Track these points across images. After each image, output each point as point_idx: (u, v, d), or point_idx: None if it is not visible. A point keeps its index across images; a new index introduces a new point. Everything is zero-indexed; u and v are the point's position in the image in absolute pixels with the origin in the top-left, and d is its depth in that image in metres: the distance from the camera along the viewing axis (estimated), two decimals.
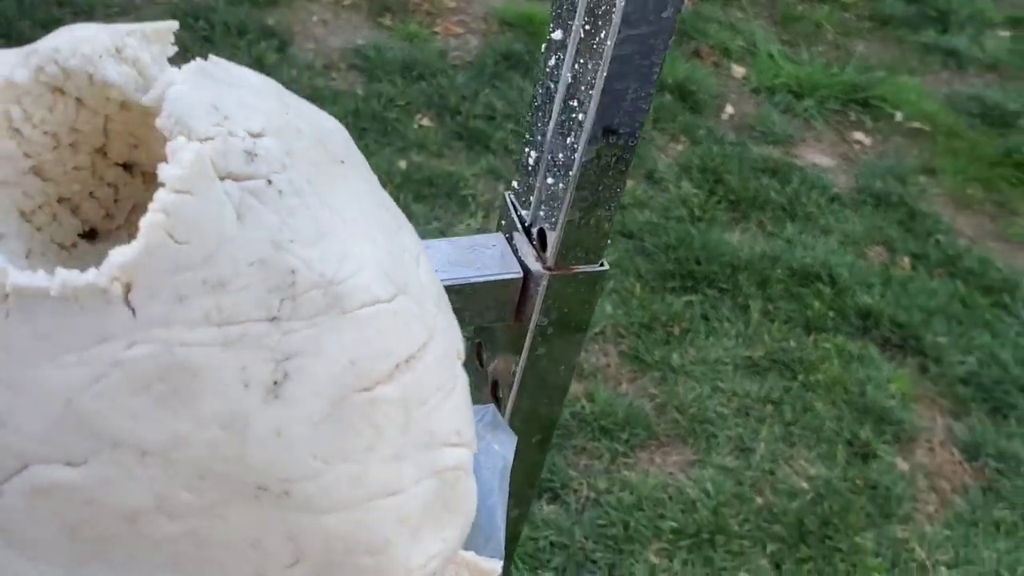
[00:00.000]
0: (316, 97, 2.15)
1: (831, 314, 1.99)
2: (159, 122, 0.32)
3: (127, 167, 0.38)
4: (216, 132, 0.31)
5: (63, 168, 0.35)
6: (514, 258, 0.53)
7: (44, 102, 0.33)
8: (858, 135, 2.54)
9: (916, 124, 2.57)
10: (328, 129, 0.37)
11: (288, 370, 0.32)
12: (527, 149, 0.52)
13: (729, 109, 2.54)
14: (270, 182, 0.32)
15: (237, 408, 0.31)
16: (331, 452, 0.33)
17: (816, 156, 2.43)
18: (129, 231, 0.38)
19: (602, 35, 0.44)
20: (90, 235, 0.38)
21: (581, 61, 0.47)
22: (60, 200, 0.36)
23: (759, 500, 1.64)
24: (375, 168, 0.39)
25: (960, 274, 2.15)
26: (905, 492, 1.72)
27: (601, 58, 0.45)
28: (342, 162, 0.36)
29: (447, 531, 0.37)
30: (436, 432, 0.36)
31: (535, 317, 0.54)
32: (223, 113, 0.32)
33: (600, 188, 0.48)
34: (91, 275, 0.30)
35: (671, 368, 1.82)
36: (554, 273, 0.51)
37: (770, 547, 1.58)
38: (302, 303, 0.32)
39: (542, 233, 0.52)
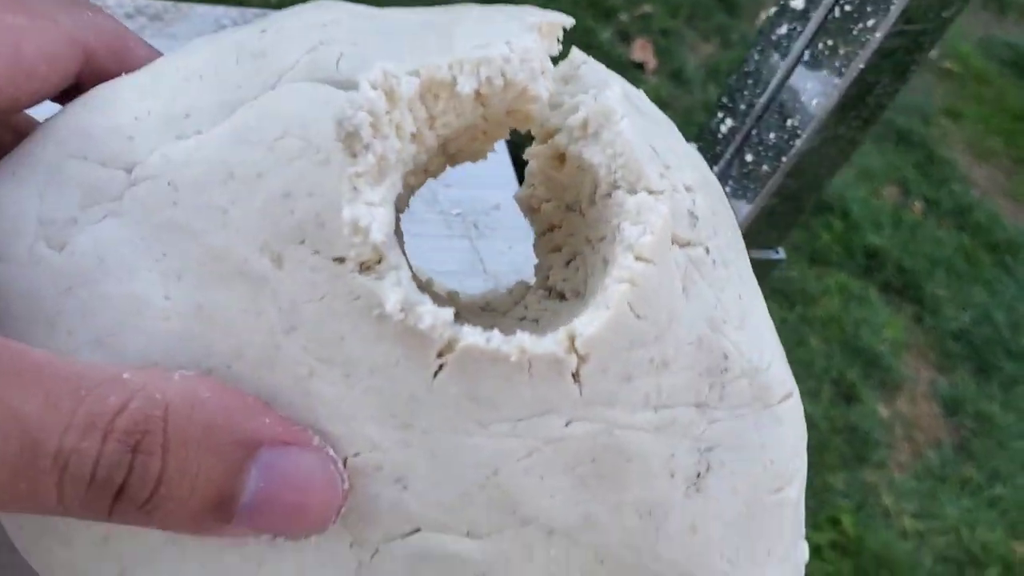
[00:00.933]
0: None
1: (838, 248, 1.97)
2: (596, 158, 0.29)
3: (434, 170, 0.34)
4: (664, 186, 0.28)
5: (424, 161, 0.32)
6: None
7: (458, 110, 0.30)
8: None
9: (948, 64, 2.52)
10: (710, 171, 0.33)
11: (711, 462, 0.29)
12: (722, 115, 0.46)
13: (765, 16, 2.46)
14: (707, 251, 0.29)
15: (660, 498, 0.29)
16: (739, 554, 0.30)
17: None
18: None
19: (869, 23, 0.39)
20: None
21: (829, 43, 0.41)
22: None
23: None
24: None
25: (968, 227, 2.13)
26: (882, 439, 1.74)
27: (861, 47, 0.39)
28: (736, 226, 0.32)
29: None
30: (801, 525, 0.34)
31: None
32: (663, 161, 0.28)
33: (811, 177, 0.43)
34: (551, 343, 0.27)
35: None
36: None
37: None
38: (730, 391, 0.29)
39: None
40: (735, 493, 0.30)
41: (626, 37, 2.21)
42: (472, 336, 0.27)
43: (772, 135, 0.44)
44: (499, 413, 0.27)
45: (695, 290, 0.29)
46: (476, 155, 0.34)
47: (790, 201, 0.45)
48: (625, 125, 0.29)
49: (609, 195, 0.29)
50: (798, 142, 0.42)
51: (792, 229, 0.46)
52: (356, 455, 0.28)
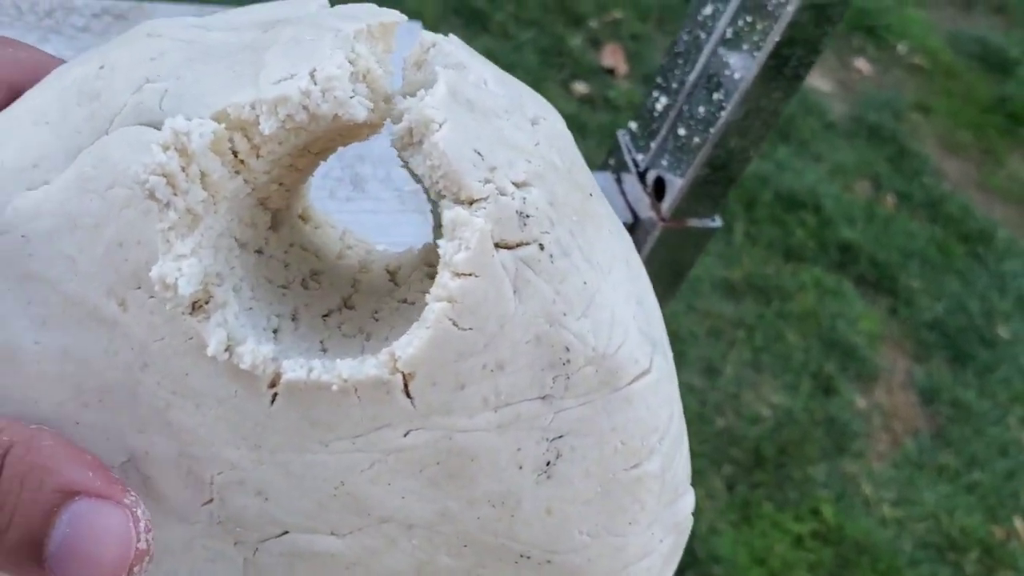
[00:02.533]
0: None
1: (812, 244, 1.99)
2: (419, 169, 0.29)
3: (319, 152, 0.35)
4: (487, 191, 0.28)
5: (268, 178, 0.32)
6: (624, 202, 0.50)
7: (278, 138, 0.30)
8: (859, 63, 2.50)
9: (917, 60, 2.55)
10: (567, 141, 0.33)
11: (560, 450, 0.31)
12: (656, 94, 0.49)
13: None
14: (542, 247, 0.29)
15: (510, 489, 0.30)
16: (598, 528, 0.32)
17: (816, 79, 2.39)
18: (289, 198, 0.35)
19: None
20: (273, 223, 0.35)
21: (748, 19, 0.43)
22: (258, 202, 0.34)
23: (720, 422, 1.66)
24: None
25: (940, 219, 2.16)
26: (860, 429, 1.76)
27: (775, 20, 0.41)
28: (591, 195, 0.32)
29: (673, 567, 0.37)
30: (677, 487, 0.35)
31: None
32: (488, 163, 0.29)
33: (738, 148, 0.46)
34: (372, 367, 0.28)
35: None
36: (667, 224, 0.49)
37: (726, 469, 1.60)
38: (575, 381, 0.30)
39: (660, 181, 0.49)
40: (588, 475, 0.31)
41: (596, 43, 2.23)
42: (293, 371, 0.29)
43: (701, 109, 0.47)
44: (336, 433, 0.29)
45: (529, 290, 0.29)
46: (355, 140, 0.34)
47: (721, 171, 0.47)
48: (441, 135, 0.28)
49: (437, 203, 0.30)
50: (724, 114, 0.45)
51: (726, 198, 0.49)
52: (220, 474, 0.31)
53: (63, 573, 0.28)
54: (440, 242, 0.28)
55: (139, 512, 0.29)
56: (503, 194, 0.29)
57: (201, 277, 0.29)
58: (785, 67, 0.43)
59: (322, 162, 0.35)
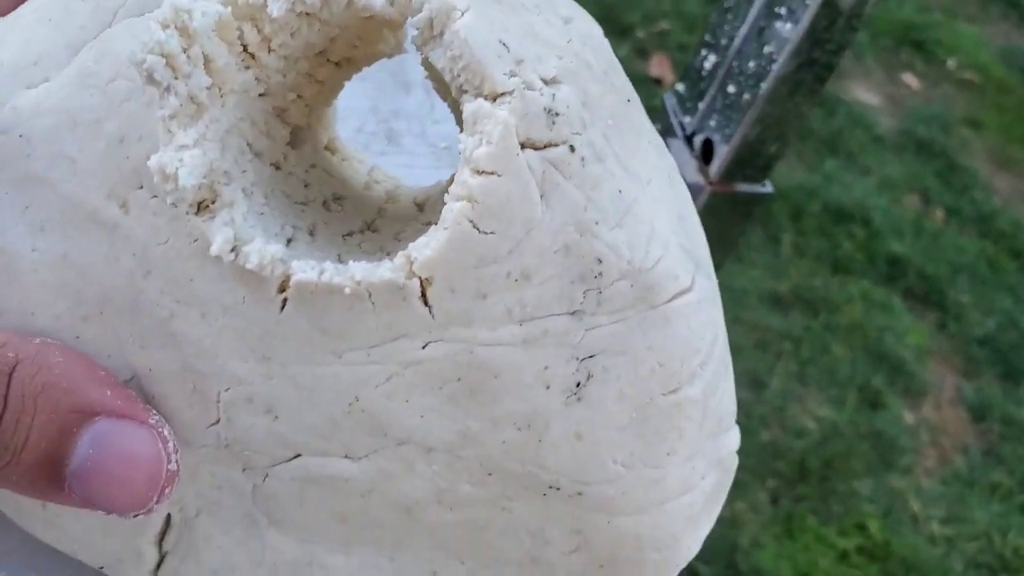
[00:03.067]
0: None
1: (860, 257, 1.96)
2: (440, 63, 0.27)
3: (339, 63, 0.32)
4: (512, 85, 0.26)
5: (283, 82, 0.31)
6: None
7: (289, 27, 0.28)
8: (907, 77, 2.47)
9: (967, 75, 2.51)
10: (602, 43, 0.31)
11: (592, 370, 0.28)
12: (705, 52, 0.47)
13: None
14: (572, 148, 0.27)
15: (537, 410, 0.28)
16: (633, 457, 0.30)
17: (863, 93, 2.37)
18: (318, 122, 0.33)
19: None
20: (292, 140, 0.33)
21: None
22: (274, 112, 0.32)
23: (766, 435, 1.63)
24: None
25: (991, 234, 2.12)
26: (908, 445, 1.72)
27: None
28: (628, 100, 0.30)
29: (716, 510, 0.34)
30: (721, 418, 0.33)
31: None
32: (515, 56, 0.27)
33: (790, 104, 0.44)
34: (387, 271, 0.26)
35: None
36: (715, 188, 0.47)
37: (770, 482, 1.58)
38: (608, 296, 0.28)
39: (708, 144, 0.48)
40: (623, 398, 0.29)
41: (643, 53, 2.23)
42: (303, 272, 0.27)
43: (751, 64, 0.45)
44: (350, 342, 0.27)
45: (557, 194, 0.27)
46: (379, 51, 0.32)
47: (772, 129, 0.46)
48: (464, 23, 0.26)
49: (459, 100, 0.27)
50: (775, 67, 0.43)
51: (777, 161, 0.47)
52: (227, 390, 0.28)
53: (87, 494, 0.27)
54: (460, 136, 0.26)
55: (166, 432, 0.28)
56: (530, 89, 0.27)
57: (205, 171, 0.27)
58: (839, 17, 0.42)
59: (345, 81, 0.33)
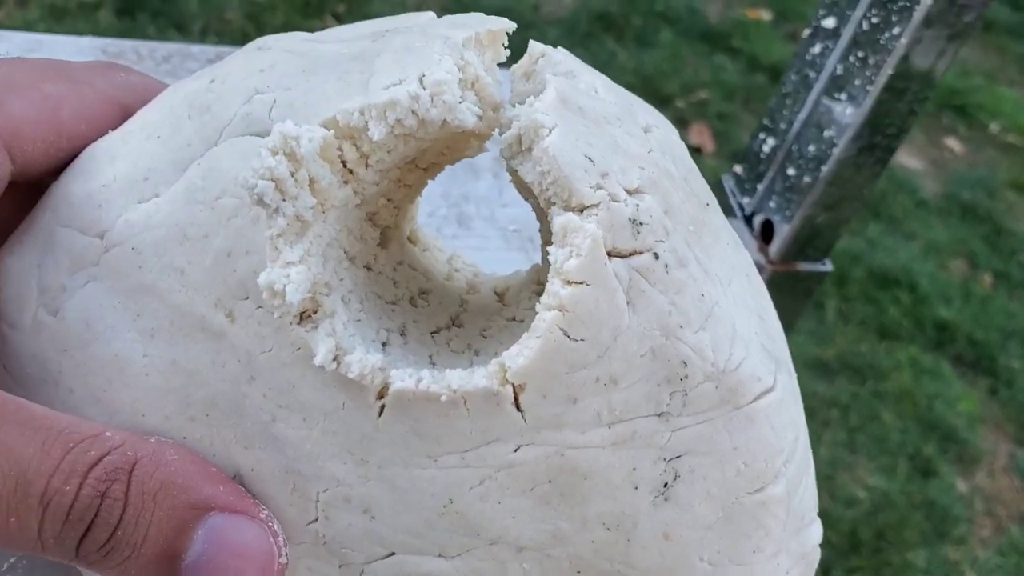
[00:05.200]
0: None
1: (907, 323, 1.94)
2: (529, 176, 0.28)
3: (426, 168, 0.34)
4: (599, 197, 0.27)
5: (377, 190, 0.32)
6: None
7: (387, 147, 0.30)
8: (950, 141, 2.47)
9: (1010, 138, 2.51)
10: (681, 150, 0.32)
11: (678, 470, 0.29)
12: (763, 135, 0.48)
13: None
14: (656, 256, 0.28)
15: (625, 510, 0.29)
16: (719, 556, 0.30)
17: (906, 157, 2.37)
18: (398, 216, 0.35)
19: (894, 31, 0.41)
20: (382, 240, 0.34)
21: (860, 54, 0.43)
22: (366, 217, 0.33)
23: None
24: None
25: None
26: (962, 514, 1.69)
27: (888, 54, 0.41)
28: (707, 205, 0.32)
29: None
30: (804, 514, 0.33)
31: None
32: (600, 169, 0.28)
33: (850, 186, 0.45)
34: (482, 379, 0.27)
35: None
36: (777, 267, 0.48)
37: (822, 553, 1.56)
38: (693, 397, 0.29)
39: (767, 224, 0.48)
40: (709, 498, 0.30)
41: (683, 122, 2.24)
42: (402, 380, 0.28)
43: (811, 147, 0.46)
44: (445, 447, 0.28)
45: (643, 301, 0.28)
46: (464, 155, 0.34)
47: (832, 210, 0.46)
48: (551, 140, 0.28)
49: (547, 212, 0.29)
50: (836, 151, 0.44)
51: (836, 240, 0.48)
52: (326, 490, 0.30)
53: None
54: (550, 248, 0.28)
55: (275, 527, 0.29)
56: (615, 200, 0.28)
57: (309, 285, 0.28)
58: (900, 101, 0.42)
59: (430, 180, 0.34)
